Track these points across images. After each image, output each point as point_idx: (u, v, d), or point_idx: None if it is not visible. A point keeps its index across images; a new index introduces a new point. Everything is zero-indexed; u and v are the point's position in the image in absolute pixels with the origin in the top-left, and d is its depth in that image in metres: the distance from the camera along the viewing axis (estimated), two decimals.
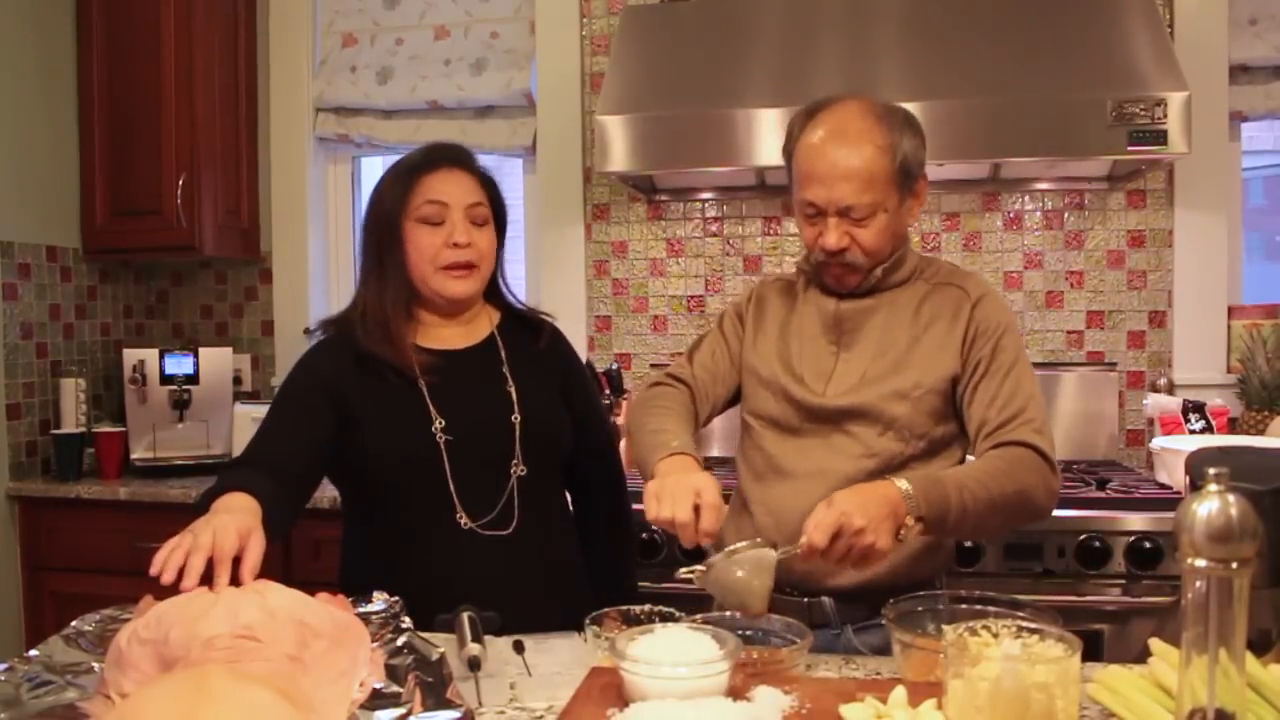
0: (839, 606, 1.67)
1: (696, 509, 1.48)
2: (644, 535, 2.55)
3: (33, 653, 1.31)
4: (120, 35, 3.34)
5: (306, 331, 3.54)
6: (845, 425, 1.69)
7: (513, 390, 1.84)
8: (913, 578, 1.60)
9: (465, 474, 1.77)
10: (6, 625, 3.13)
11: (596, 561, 1.95)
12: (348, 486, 1.87)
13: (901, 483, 1.49)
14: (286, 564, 2.85)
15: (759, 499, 1.74)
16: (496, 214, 1.86)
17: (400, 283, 1.80)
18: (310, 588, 1.38)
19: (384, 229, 1.80)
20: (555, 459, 1.88)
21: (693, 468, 1.58)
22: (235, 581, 1.34)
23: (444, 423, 1.77)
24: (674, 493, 1.50)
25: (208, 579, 1.34)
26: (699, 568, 1.45)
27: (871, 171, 1.63)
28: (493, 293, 1.92)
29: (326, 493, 2.36)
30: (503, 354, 1.88)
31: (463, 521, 1.76)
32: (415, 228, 1.78)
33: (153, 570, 1.33)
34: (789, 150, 1.73)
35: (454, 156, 1.83)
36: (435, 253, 1.77)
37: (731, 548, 1.45)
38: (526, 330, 1.93)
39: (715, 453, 3.19)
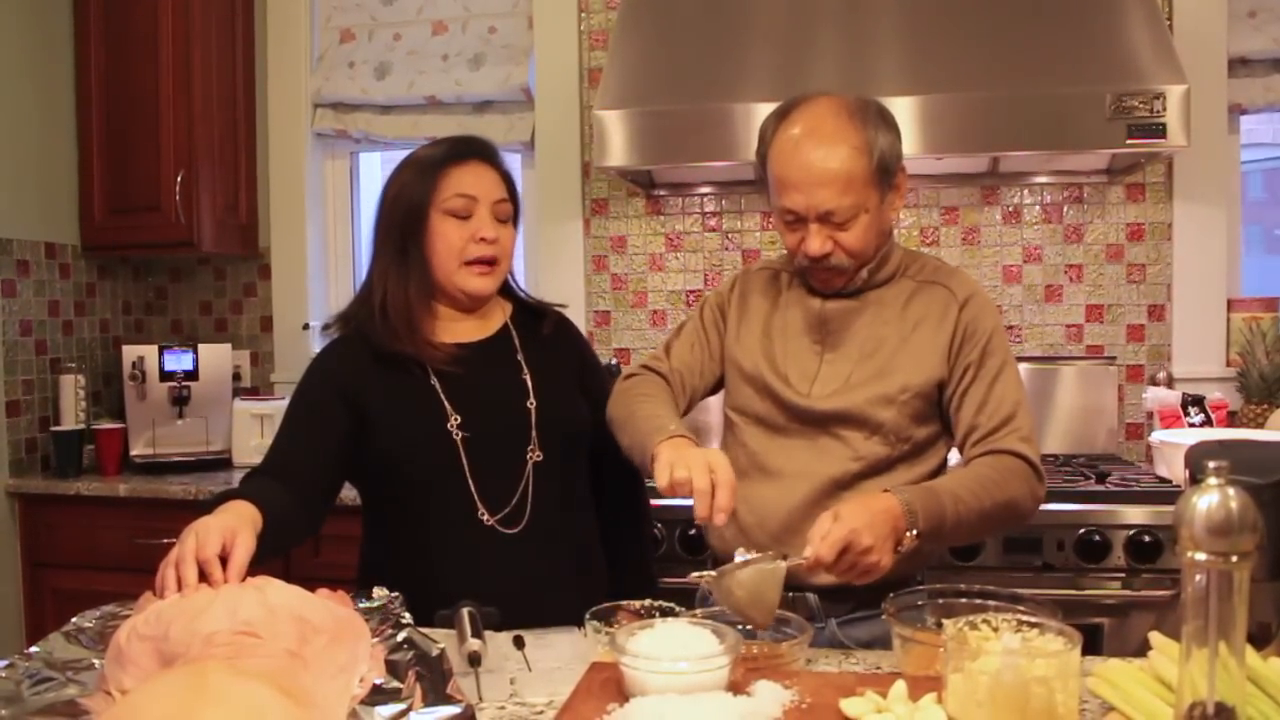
0: (823, 601, 1.66)
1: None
2: None
3: (33, 649, 1.31)
4: (118, 32, 3.33)
5: (305, 327, 3.56)
6: (832, 428, 1.68)
7: (528, 378, 1.84)
8: (896, 574, 1.60)
9: (484, 469, 1.76)
10: (7, 622, 3.13)
11: (615, 554, 1.94)
12: (366, 486, 1.86)
13: (902, 496, 1.48)
14: (287, 560, 2.85)
15: (742, 496, 1.70)
16: (515, 210, 1.86)
17: (423, 275, 1.79)
18: (310, 583, 1.38)
19: (409, 219, 1.78)
20: (573, 446, 1.86)
21: (700, 448, 1.57)
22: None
23: (460, 419, 1.76)
24: (690, 463, 1.49)
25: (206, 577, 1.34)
26: (711, 574, 1.44)
27: (850, 173, 1.59)
28: (504, 286, 1.92)
29: None
30: (517, 343, 1.88)
31: (485, 519, 1.75)
32: (443, 220, 1.77)
33: (156, 594, 1.35)
34: (762, 154, 1.69)
35: (482, 151, 1.82)
36: (462, 246, 1.76)
37: (744, 559, 1.43)
38: (537, 320, 1.93)
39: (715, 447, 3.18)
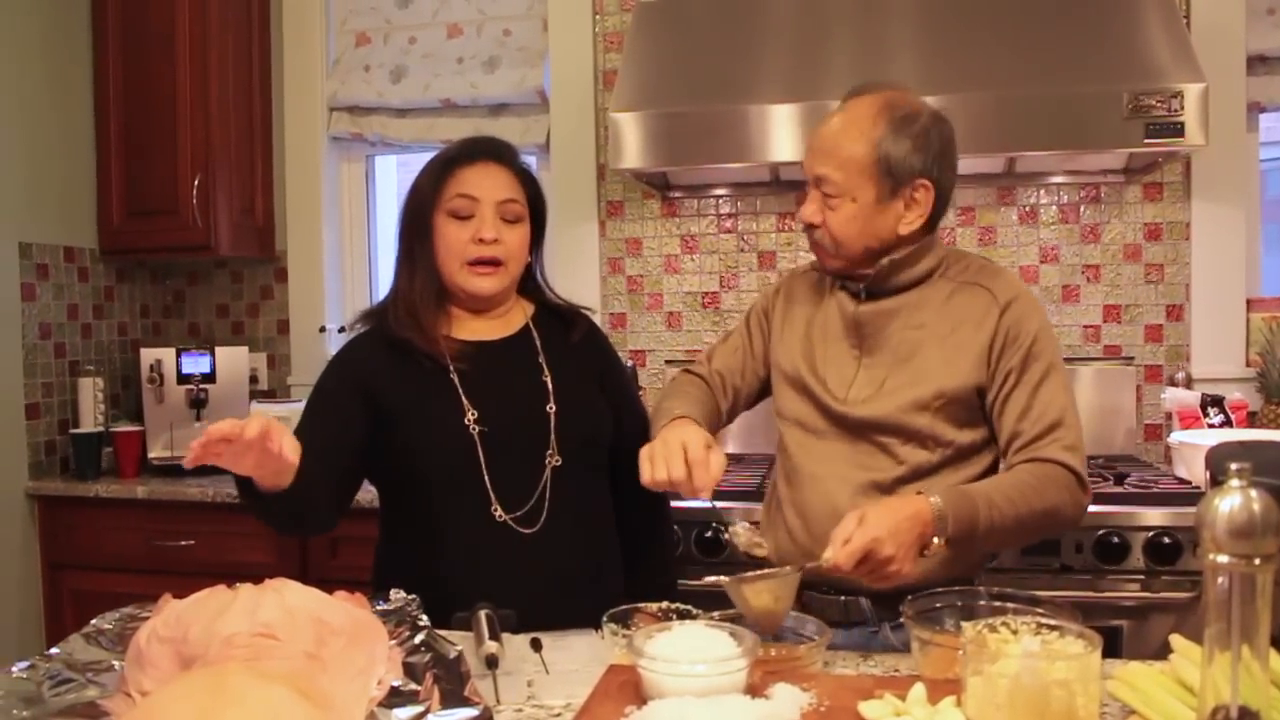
0: (876, 606, 1.65)
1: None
2: None
3: (54, 650, 1.32)
4: (135, 36, 3.35)
5: (322, 330, 3.57)
6: (870, 435, 1.66)
7: (548, 380, 1.83)
8: (952, 576, 1.58)
9: (500, 465, 1.76)
10: (27, 623, 3.15)
11: (635, 558, 1.93)
12: (383, 483, 1.86)
13: (934, 500, 1.46)
14: (304, 562, 2.86)
15: (789, 500, 1.73)
16: (535, 211, 1.85)
17: (429, 274, 1.80)
18: (327, 586, 1.38)
19: (416, 220, 1.80)
20: (592, 451, 1.86)
21: (684, 425, 1.60)
22: (270, 459, 1.42)
23: (477, 414, 1.76)
24: (665, 453, 1.51)
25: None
26: (726, 579, 1.44)
27: (848, 153, 1.61)
28: (528, 287, 1.92)
29: None
30: (538, 344, 1.87)
31: (497, 514, 1.75)
32: (445, 221, 1.78)
33: (187, 463, 1.38)
34: None
35: (491, 150, 1.82)
36: (462, 247, 1.77)
37: (763, 571, 1.43)
38: (562, 323, 1.93)
39: (731, 449, 3.18)
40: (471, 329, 1.84)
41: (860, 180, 1.62)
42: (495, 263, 1.78)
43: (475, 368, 1.80)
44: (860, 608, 1.65)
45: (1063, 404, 1.61)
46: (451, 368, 1.79)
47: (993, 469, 1.70)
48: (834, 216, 1.64)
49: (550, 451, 1.79)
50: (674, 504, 2.03)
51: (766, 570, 1.44)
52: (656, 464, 1.52)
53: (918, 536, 1.43)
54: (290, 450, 1.44)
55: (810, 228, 1.68)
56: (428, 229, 1.79)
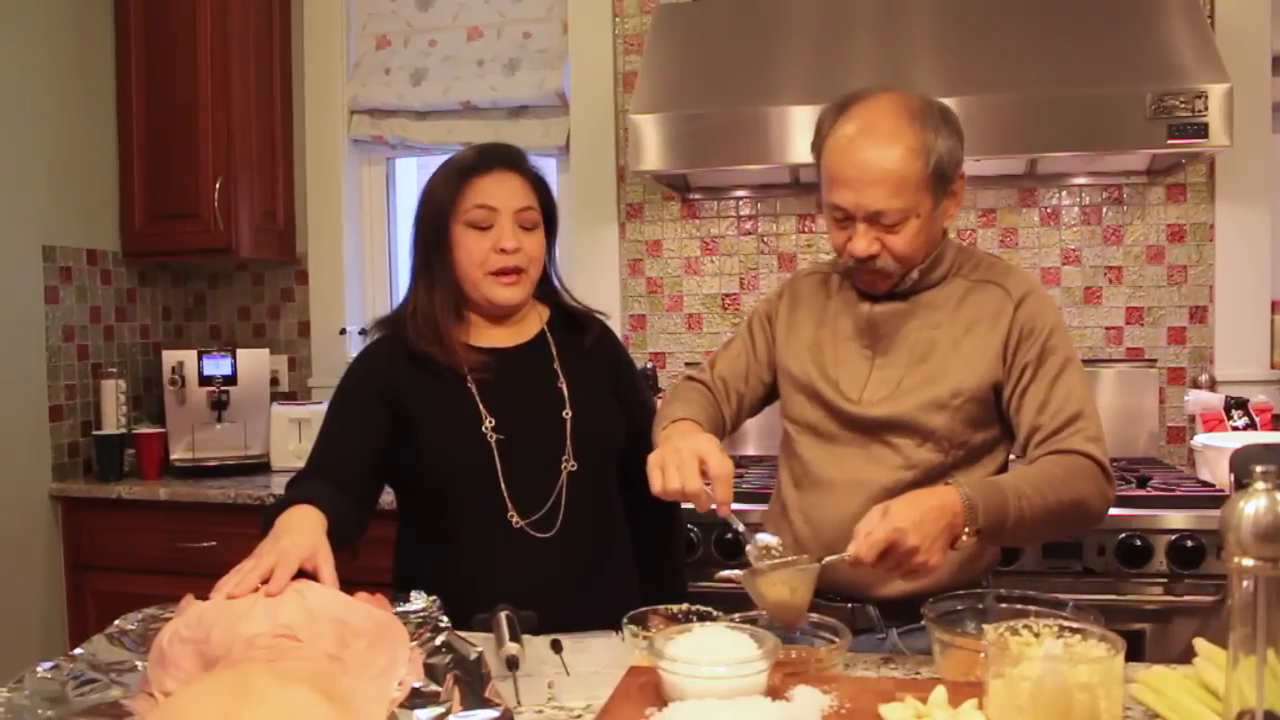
0: (884, 614, 1.63)
1: (705, 475, 1.47)
2: None
3: (78, 651, 1.33)
4: (158, 41, 3.38)
5: (342, 332, 3.58)
6: (883, 436, 1.64)
7: (564, 386, 1.84)
8: (959, 583, 1.56)
9: (517, 472, 1.77)
10: (50, 624, 3.17)
11: (646, 561, 1.94)
12: (402, 487, 1.88)
13: (963, 491, 1.42)
14: None
15: (797, 507, 1.71)
16: (547, 216, 1.85)
17: (448, 285, 1.80)
18: (349, 587, 1.39)
19: (433, 231, 1.80)
20: (607, 456, 1.86)
21: (693, 431, 1.56)
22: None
23: (494, 422, 1.77)
24: (678, 462, 1.47)
25: None
26: (740, 572, 1.42)
27: (903, 175, 1.53)
28: (543, 290, 1.92)
29: None
30: (553, 350, 1.88)
31: (514, 521, 1.76)
32: (464, 231, 1.78)
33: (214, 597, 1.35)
34: (817, 147, 1.65)
35: (506, 158, 1.82)
36: (483, 257, 1.77)
37: (778, 560, 1.42)
38: (576, 327, 1.93)
39: (751, 451, 3.18)
40: (489, 336, 1.85)
41: (920, 195, 1.56)
42: (517, 271, 1.79)
43: (492, 376, 1.80)
44: (868, 614, 1.64)
45: (1082, 396, 1.58)
46: (469, 377, 1.79)
47: (1000, 472, 1.68)
48: (898, 240, 1.58)
49: (566, 457, 1.80)
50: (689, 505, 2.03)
51: (781, 560, 1.42)
52: (669, 474, 1.48)
53: (945, 528, 1.39)
54: (328, 571, 1.42)
55: (866, 260, 1.60)
56: (445, 240, 1.79)
